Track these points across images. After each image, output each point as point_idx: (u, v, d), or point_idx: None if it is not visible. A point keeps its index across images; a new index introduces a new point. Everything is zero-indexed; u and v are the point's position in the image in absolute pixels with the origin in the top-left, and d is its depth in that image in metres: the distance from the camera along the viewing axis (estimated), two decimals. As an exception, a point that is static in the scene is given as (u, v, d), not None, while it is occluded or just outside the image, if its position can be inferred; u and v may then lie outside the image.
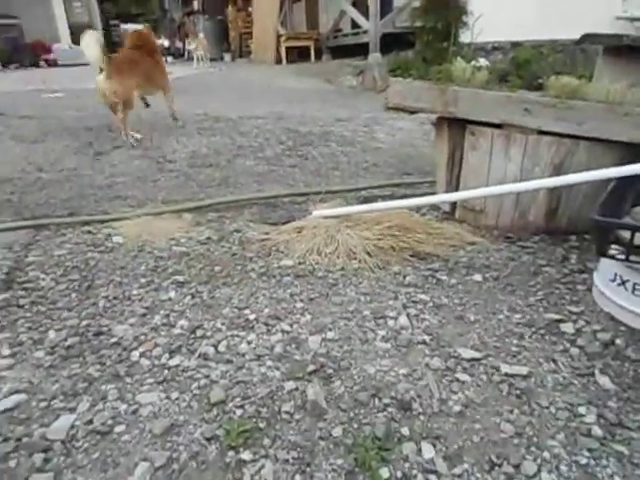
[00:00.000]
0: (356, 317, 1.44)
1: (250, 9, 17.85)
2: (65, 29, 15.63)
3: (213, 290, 1.61)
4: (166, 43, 21.05)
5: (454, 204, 2.20)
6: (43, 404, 1.09)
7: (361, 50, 10.41)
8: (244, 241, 2.01)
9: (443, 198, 2.10)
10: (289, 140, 4.03)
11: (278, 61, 13.12)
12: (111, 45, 19.68)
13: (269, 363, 1.23)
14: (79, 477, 0.90)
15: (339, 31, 12.64)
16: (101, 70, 3.27)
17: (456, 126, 2.12)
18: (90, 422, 1.03)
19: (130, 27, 24.48)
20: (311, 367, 1.21)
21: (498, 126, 1.98)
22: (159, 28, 27.51)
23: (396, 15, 9.56)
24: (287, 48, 13.15)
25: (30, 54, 13.93)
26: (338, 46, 12.32)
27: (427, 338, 1.33)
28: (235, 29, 18.77)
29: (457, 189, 2.19)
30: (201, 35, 11.35)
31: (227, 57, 19.64)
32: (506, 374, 1.18)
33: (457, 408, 1.07)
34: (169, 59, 19.11)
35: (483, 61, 4.50)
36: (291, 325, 1.40)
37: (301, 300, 1.55)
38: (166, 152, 3.52)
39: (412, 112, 2.31)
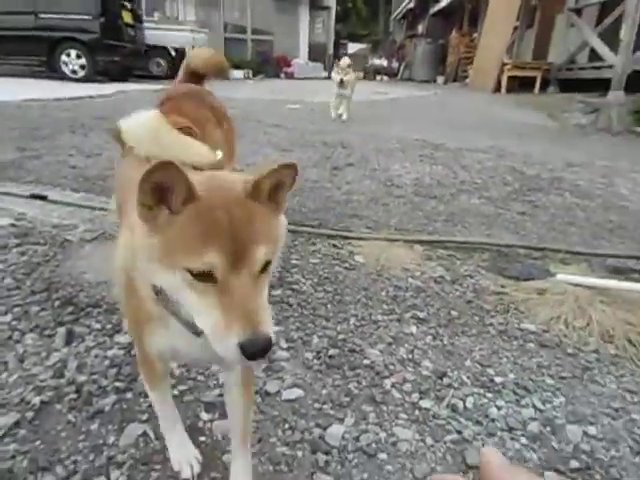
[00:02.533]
0: (623, 418, 1.27)
1: (475, 35, 17.62)
2: (305, 47, 17.92)
3: (453, 336, 1.62)
4: (384, 63, 22.32)
5: None
6: (317, 405, 1.25)
7: (597, 86, 9.30)
8: (478, 290, 1.97)
9: None
10: (515, 182, 3.82)
11: (496, 89, 12.62)
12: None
13: (523, 441, 1.18)
14: (354, 492, 1.01)
15: (573, 63, 11.53)
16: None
17: None
18: (357, 439, 1.14)
19: (355, 46, 26.71)
20: (574, 463, 1.11)
21: None
22: (379, 48, 29.28)
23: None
24: (509, 77, 12.55)
25: (274, 67, 16.38)
26: (568, 79, 11.24)
27: None
28: (454, 54, 18.75)
29: None
30: (346, 60, 6.16)
31: (440, 80, 19.77)
32: None
33: None
34: (385, 78, 20.24)
35: None
36: (543, 403, 1.31)
37: (550, 376, 1.44)
38: (392, 175, 3.71)
39: None
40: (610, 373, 1.47)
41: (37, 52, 9.33)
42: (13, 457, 1.04)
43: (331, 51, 19.20)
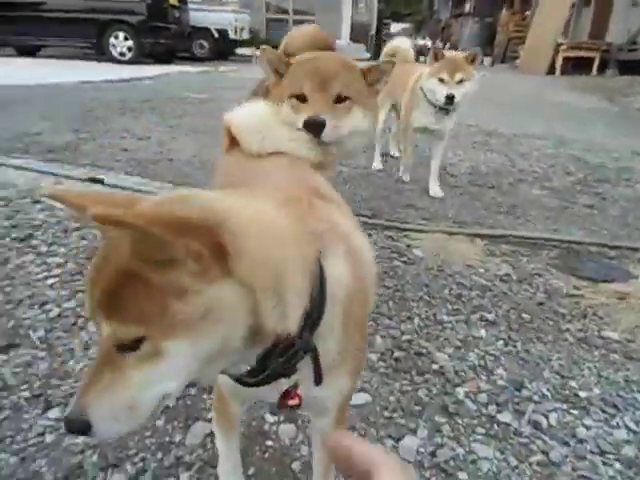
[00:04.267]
0: None
1: (527, 13, 16.68)
2: (347, 27, 17.49)
3: (526, 342, 1.51)
4: (428, 43, 21.54)
5: None
6: (386, 413, 1.17)
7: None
8: (550, 291, 1.83)
9: None
10: (578, 172, 3.57)
11: (550, 71, 11.95)
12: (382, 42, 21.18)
13: (617, 466, 1.07)
14: (435, 514, 0.93)
15: (635, 43, 10.73)
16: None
17: None
18: (433, 454, 1.06)
19: (398, 26, 25.89)
20: (681, 496, 0.99)
21: None
22: (423, 28, 28.29)
23: None
24: (564, 58, 11.84)
25: (315, 47, 16.08)
26: (629, 61, 10.47)
27: None
28: (504, 33, 17.86)
29: None
30: (454, 54, 2.79)
31: (486, 61, 18.91)
32: None
33: None
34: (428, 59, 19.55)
35: None
36: (637, 423, 1.19)
37: (641, 392, 1.31)
38: (445, 164, 3.53)
39: None
40: None
41: (87, 34, 9.48)
42: (82, 451, 1.03)
43: (373, 31, 18.66)
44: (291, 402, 0.61)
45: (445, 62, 2.56)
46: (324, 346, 0.58)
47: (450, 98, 2.55)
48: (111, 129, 3.72)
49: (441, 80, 2.55)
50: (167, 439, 1.07)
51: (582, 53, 11.81)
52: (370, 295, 0.74)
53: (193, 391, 1.21)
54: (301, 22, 17.54)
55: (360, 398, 1.21)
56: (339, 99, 1.26)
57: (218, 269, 0.47)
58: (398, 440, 1.09)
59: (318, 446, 0.84)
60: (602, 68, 11.40)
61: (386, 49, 3.25)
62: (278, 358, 0.54)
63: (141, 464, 1.01)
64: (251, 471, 1.01)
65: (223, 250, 0.47)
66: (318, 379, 0.58)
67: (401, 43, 3.23)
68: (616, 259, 2.12)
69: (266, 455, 1.05)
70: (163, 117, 4.32)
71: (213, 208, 0.49)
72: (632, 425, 1.18)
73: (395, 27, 25.02)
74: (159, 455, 1.03)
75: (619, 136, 5.17)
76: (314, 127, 1.17)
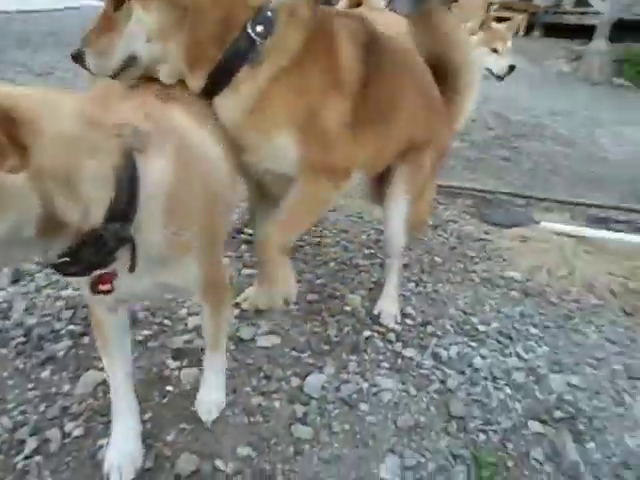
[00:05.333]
0: (604, 368, 1.26)
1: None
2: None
3: (436, 283, 1.55)
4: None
5: None
6: (294, 353, 1.16)
7: (582, 33, 9.06)
8: (462, 236, 1.90)
9: None
10: (498, 127, 3.71)
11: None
12: None
13: (507, 391, 1.14)
14: (335, 443, 0.94)
15: (559, 6, 11.14)
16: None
17: None
18: (338, 389, 1.07)
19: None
20: (558, 413, 1.09)
21: None
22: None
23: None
24: (494, 18, 12.04)
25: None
26: (553, 24, 10.90)
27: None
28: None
29: None
30: None
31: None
32: None
33: None
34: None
35: None
36: (526, 352, 1.28)
37: (534, 325, 1.40)
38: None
39: None
40: (591, 323, 1.45)
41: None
42: (-50, 407, 0.92)
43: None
44: (102, 287, 0.64)
45: (495, 31, 2.55)
46: (144, 238, 0.62)
47: (513, 68, 2.49)
48: (4, 62, 3.26)
49: (494, 50, 2.47)
50: (53, 390, 0.99)
51: (510, 14, 12.10)
52: (213, 188, 0.78)
53: (86, 339, 1.12)
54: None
55: (269, 340, 1.19)
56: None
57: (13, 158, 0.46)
58: (304, 378, 1.09)
59: (203, 319, 0.95)
60: (528, 31, 11.78)
61: None
62: (89, 249, 0.57)
63: (20, 417, 0.92)
64: (147, 416, 0.96)
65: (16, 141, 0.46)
66: (132, 267, 0.62)
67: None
68: (524, 207, 2.24)
69: (165, 400, 1.00)
70: (69, 53, 3.84)
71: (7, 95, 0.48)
72: (522, 353, 1.27)
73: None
74: (42, 407, 0.95)
75: (540, 96, 5.44)
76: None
